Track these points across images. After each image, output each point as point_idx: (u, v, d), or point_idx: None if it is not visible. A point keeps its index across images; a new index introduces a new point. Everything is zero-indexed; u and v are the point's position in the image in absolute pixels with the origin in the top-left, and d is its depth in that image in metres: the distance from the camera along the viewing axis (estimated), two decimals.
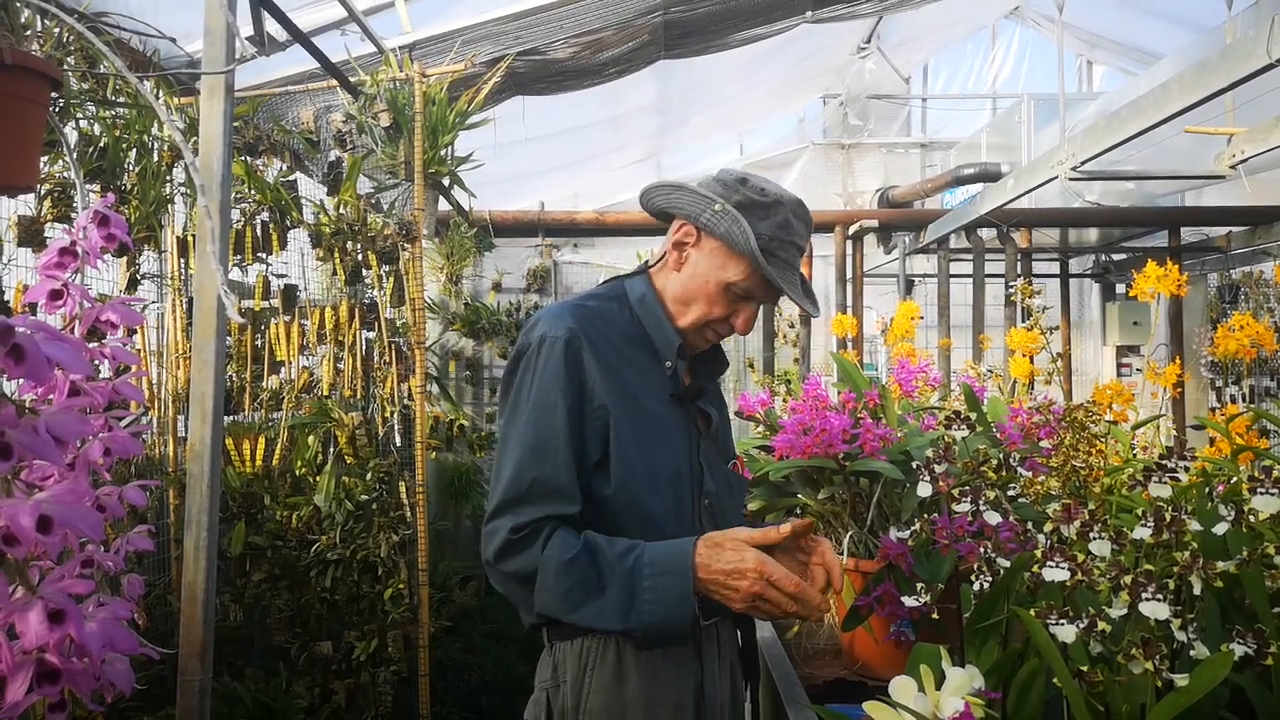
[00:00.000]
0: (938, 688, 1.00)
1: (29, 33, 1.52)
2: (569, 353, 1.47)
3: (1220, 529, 1.25)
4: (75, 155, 2.30)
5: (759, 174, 1.62)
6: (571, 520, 1.45)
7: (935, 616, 1.36)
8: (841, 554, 1.81)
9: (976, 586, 1.27)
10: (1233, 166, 3.79)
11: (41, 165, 2.26)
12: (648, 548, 1.41)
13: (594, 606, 1.39)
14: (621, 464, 1.47)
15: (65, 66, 2.15)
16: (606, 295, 1.64)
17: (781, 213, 1.54)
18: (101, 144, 2.43)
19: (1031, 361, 3.16)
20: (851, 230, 5.80)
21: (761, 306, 1.67)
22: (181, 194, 2.81)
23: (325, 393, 3.32)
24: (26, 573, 0.87)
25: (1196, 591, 1.12)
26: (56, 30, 2.05)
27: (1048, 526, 1.29)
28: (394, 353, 3.45)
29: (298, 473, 3.23)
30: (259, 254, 3.16)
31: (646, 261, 1.71)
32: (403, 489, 3.33)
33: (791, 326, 6.37)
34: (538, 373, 1.47)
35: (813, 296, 1.62)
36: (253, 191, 3.15)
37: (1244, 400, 4.97)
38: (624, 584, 1.38)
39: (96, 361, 1.07)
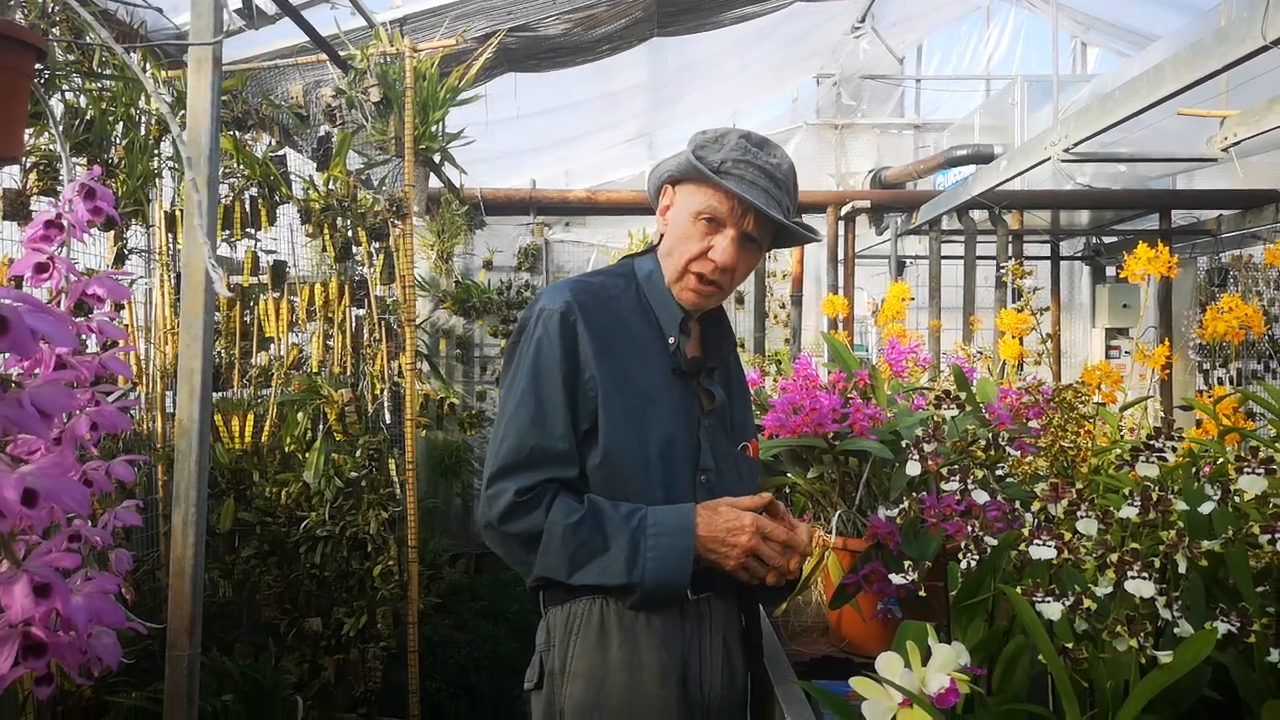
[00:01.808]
0: (924, 664, 1.01)
1: (13, 3, 1.50)
2: (564, 325, 1.53)
3: (1206, 509, 1.25)
4: (61, 128, 2.28)
5: None
6: (570, 484, 1.52)
7: (922, 594, 1.37)
8: (830, 532, 1.82)
9: (964, 565, 1.28)
10: (1225, 149, 3.79)
11: (27, 137, 2.23)
12: (650, 510, 1.50)
13: (598, 565, 1.47)
14: (609, 435, 1.52)
15: (51, 37, 2.12)
16: (614, 272, 1.69)
17: (731, 138, 1.59)
18: (88, 116, 2.40)
19: (1021, 343, 3.16)
20: (844, 211, 5.79)
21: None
22: (169, 168, 2.78)
23: (315, 369, 3.31)
24: (11, 546, 0.86)
25: (1182, 570, 1.12)
26: (41, 0, 2.02)
27: (1035, 505, 1.30)
28: (384, 330, 3.44)
29: (287, 449, 3.22)
30: (248, 230, 3.14)
31: (654, 242, 1.73)
32: (392, 466, 3.33)
33: (783, 307, 6.37)
34: (535, 343, 1.54)
35: (806, 226, 1.65)
36: (241, 166, 3.12)
37: (1232, 382, 5.00)
38: (628, 542, 1.46)
39: (83, 336, 1.07)
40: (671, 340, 1.61)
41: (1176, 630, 1.08)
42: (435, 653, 4.07)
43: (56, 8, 2.13)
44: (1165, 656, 1.01)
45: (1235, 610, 1.07)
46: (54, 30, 2.17)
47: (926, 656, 1.01)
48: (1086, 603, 1.07)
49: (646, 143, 7.83)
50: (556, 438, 1.50)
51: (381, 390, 3.41)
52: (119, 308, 2.30)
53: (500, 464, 1.51)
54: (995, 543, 1.28)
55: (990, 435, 1.69)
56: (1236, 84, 3.97)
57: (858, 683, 1.00)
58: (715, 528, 1.49)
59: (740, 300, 6.23)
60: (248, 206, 3.13)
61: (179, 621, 1.73)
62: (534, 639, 1.62)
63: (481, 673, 4.23)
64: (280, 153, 3.29)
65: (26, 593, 0.84)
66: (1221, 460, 1.72)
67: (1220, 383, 5.05)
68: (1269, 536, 1.14)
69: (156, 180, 2.72)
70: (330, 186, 3.39)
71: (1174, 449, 1.27)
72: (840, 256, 5.84)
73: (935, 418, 1.69)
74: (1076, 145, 3.61)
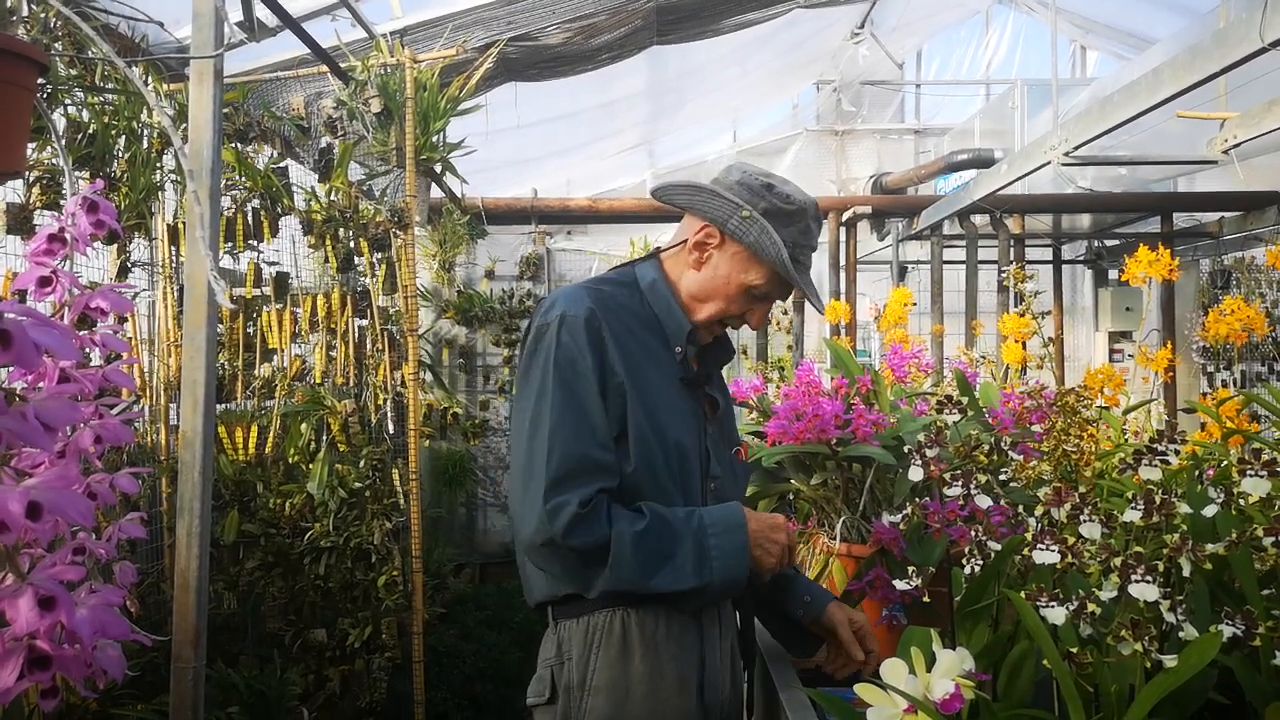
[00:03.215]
0: (928, 670, 1.01)
1: (15, 17, 1.51)
2: (590, 330, 1.49)
3: (1210, 511, 1.25)
4: (64, 142, 2.28)
5: (753, 162, 1.64)
6: (613, 494, 1.48)
7: (926, 600, 1.36)
8: (835, 539, 1.82)
9: (968, 570, 1.28)
10: (1225, 151, 3.79)
11: (30, 152, 2.24)
12: (704, 511, 1.51)
13: (670, 571, 1.45)
14: (639, 441, 1.50)
15: (53, 51, 2.13)
16: (617, 280, 1.66)
17: (804, 220, 1.59)
18: (90, 130, 2.41)
19: (1024, 347, 3.16)
20: (845, 217, 5.79)
21: None
22: (172, 181, 2.79)
23: (318, 380, 3.32)
24: (16, 560, 0.87)
25: (1186, 573, 1.12)
26: (43, 15, 2.04)
27: (1039, 510, 1.29)
28: (387, 340, 3.45)
29: (290, 460, 3.22)
30: (250, 241, 3.14)
31: (659, 247, 1.72)
32: (396, 476, 3.33)
33: (785, 313, 6.36)
34: (564, 350, 1.48)
35: (816, 291, 1.67)
36: (243, 178, 3.13)
37: (1235, 385, 4.99)
38: (693, 545, 1.46)
39: (87, 349, 1.07)
40: (679, 350, 1.61)
41: (1181, 634, 1.08)
42: (440, 663, 4.06)
43: (59, 23, 2.14)
44: (1170, 660, 1.01)
45: (1240, 613, 1.06)
46: (57, 45, 2.19)
47: (931, 662, 1.01)
48: (1091, 607, 1.06)
49: (647, 150, 7.84)
50: (601, 445, 1.47)
51: (385, 401, 3.41)
52: (122, 320, 2.31)
53: (555, 476, 1.43)
54: (999, 548, 1.28)
55: (993, 440, 1.69)
56: (1236, 86, 3.97)
57: (863, 689, 1.00)
58: (761, 524, 1.52)
59: None
60: (250, 218, 3.14)
61: (184, 633, 1.73)
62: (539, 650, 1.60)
63: (486, 682, 4.22)
64: (282, 164, 3.30)
65: (31, 606, 0.84)
66: (1225, 463, 1.72)
67: (1224, 385, 5.04)
68: (1273, 539, 1.14)
69: (159, 193, 2.72)
70: (332, 198, 3.40)
71: (1177, 452, 1.27)
72: (842, 262, 5.84)
73: (938, 423, 1.69)
74: (1077, 149, 3.62)
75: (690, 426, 1.60)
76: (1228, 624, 1.05)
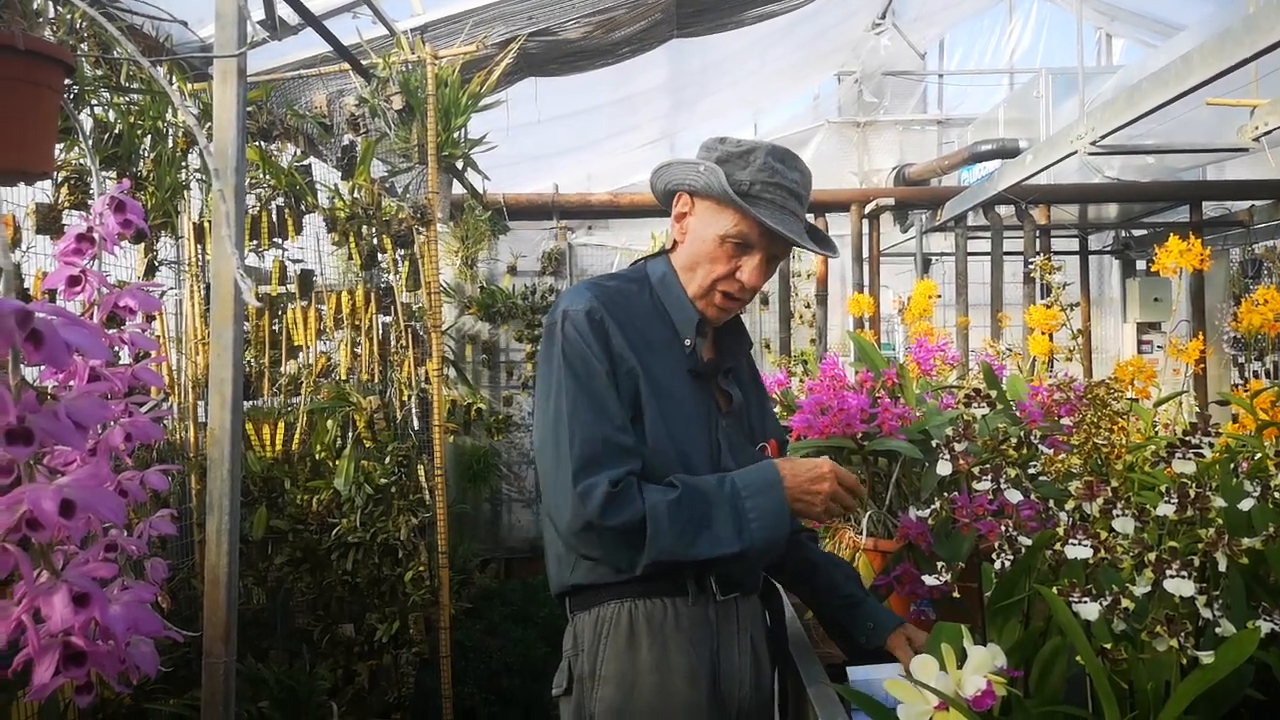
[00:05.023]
0: (959, 666, 1.00)
1: (41, 19, 1.52)
2: (591, 321, 1.53)
3: (1245, 505, 1.23)
4: (90, 142, 2.31)
5: None
6: (639, 475, 1.49)
7: (956, 595, 1.35)
8: (861, 534, 1.81)
9: (998, 565, 1.27)
10: (1256, 139, 3.73)
11: (57, 152, 2.27)
12: (735, 475, 1.51)
13: (708, 537, 1.46)
14: (653, 420, 1.53)
15: (79, 52, 2.15)
16: (628, 277, 1.69)
17: (758, 156, 1.57)
18: (116, 130, 2.43)
19: (1051, 339, 3.13)
20: (868, 209, 5.75)
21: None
22: (197, 179, 2.81)
23: (343, 377, 3.33)
24: (50, 557, 0.87)
25: (1221, 568, 1.10)
26: (69, 16, 2.05)
27: (1069, 504, 1.28)
28: (410, 336, 3.46)
29: (317, 457, 3.24)
30: (275, 239, 3.17)
31: (667, 245, 1.73)
32: (421, 472, 3.35)
33: (808, 307, 6.34)
34: (571, 343, 1.52)
35: (828, 242, 1.66)
36: (267, 177, 3.15)
37: (1268, 376, 4.92)
38: (729, 510, 1.47)
39: (116, 347, 1.08)
40: (688, 343, 1.61)
41: (1218, 630, 1.06)
42: (467, 657, 4.08)
43: (84, 24, 2.16)
44: (1207, 657, 0.99)
45: (1278, 608, 1.05)
46: (82, 46, 2.21)
47: (962, 658, 1.00)
48: (1124, 602, 1.05)
49: (668, 145, 7.81)
50: (621, 428, 1.49)
51: (409, 397, 3.42)
52: (150, 319, 2.33)
53: (581, 461, 1.45)
54: (1029, 542, 1.27)
55: (1022, 433, 1.68)
56: (1266, 72, 3.91)
57: (893, 685, 0.99)
58: (800, 477, 1.50)
59: (765, 301, 6.21)
60: (274, 216, 3.16)
61: (214, 629, 1.74)
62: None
63: (513, 677, 4.24)
64: (305, 162, 3.32)
65: (66, 603, 0.85)
66: (1260, 455, 1.69)
67: (1256, 376, 4.97)
68: None
69: (184, 192, 2.75)
70: (355, 195, 3.41)
71: (1211, 444, 1.25)
72: (865, 255, 5.80)
73: (965, 416, 1.68)
74: (1103, 138, 3.56)
75: (700, 419, 1.61)
76: (1265, 619, 1.04)
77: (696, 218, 1.62)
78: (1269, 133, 3.67)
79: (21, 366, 0.82)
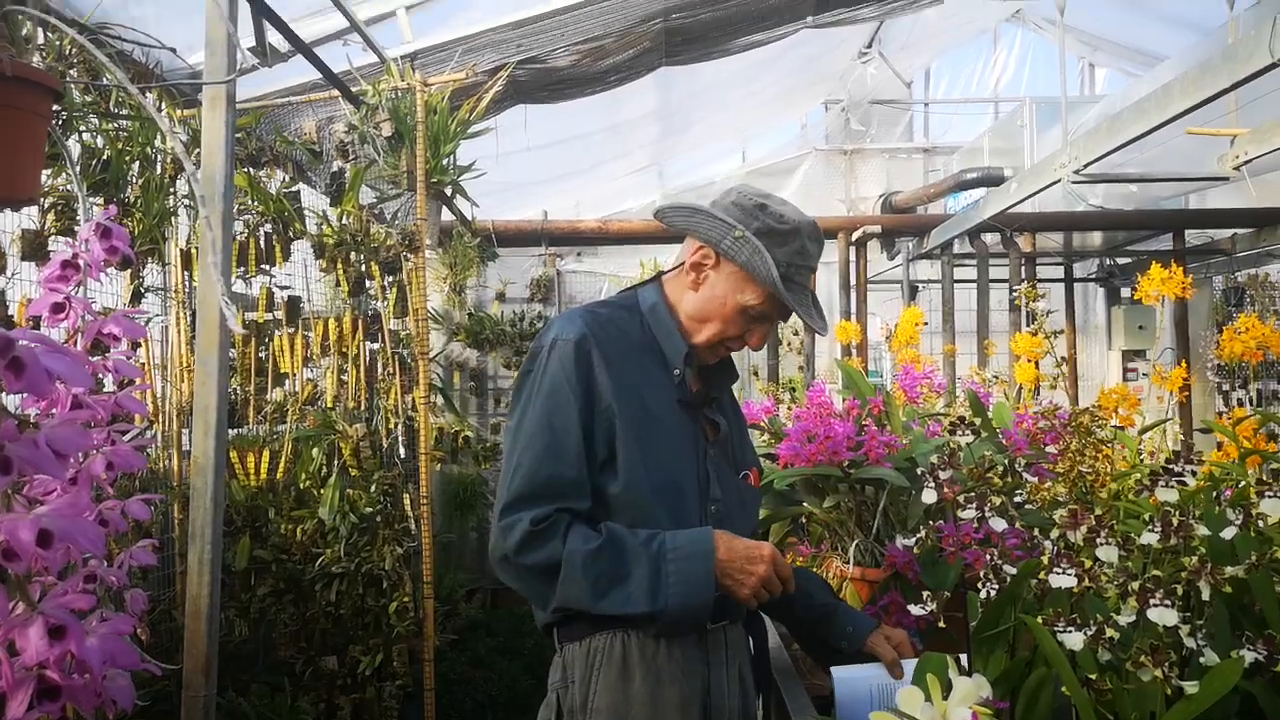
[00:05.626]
0: (945, 697, 0.99)
1: (30, 45, 1.52)
2: (579, 354, 1.52)
3: (1228, 533, 1.24)
4: (78, 168, 2.30)
5: (762, 182, 1.64)
6: (581, 515, 1.49)
7: (942, 625, 1.35)
8: (848, 563, 1.80)
9: (983, 594, 1.26)
10: (1236, 168, 3.78)
11: (44, 178, 2.26)
12: (668, 535, 1.48)
13: (621, 592, 1.44)
14: (627, 464, 1.51)
15: (67, 79, 2.15)
16: (619, 304, 1.69)
17: (799, 240, 1.58)
18: (104, 156, 2.43)
19: (1036, 366, 3.15)
20: (854, 236, 5.79)
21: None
22: (185, 206, 2.81)
23: (329, 405, 3.32)
24: (27, 588, 0.86)
25: (1205, 597, 1.11)
26: (58, 42, 2.06)
27: (1054, 533, 1.28)
28: (398, 364, 3.45)
29: (302, 486, 3.22)
30: (262, 266, 3.16)
31: (661, 270, 1.73)
32: (407, 501, 3.33)
33: (796, 334, 6.35)
34: (549, 373, 1.52)
35: (821, 312, 1.67)
36: (255, 203, 3.15)
37: (1251, 404, 4.95)
38: (650, 568, 1.44)
39: (99, 375, 1.07)
40: (677, 372, 1.61)
41: (1202, 659, 1.06)
42: (451, 690, 4.04)
43: (74, 50, 2.16)
44: (1191, 687, 0.99)
45: (1262, 638, 1.05)
46: (71, 72, 2.21)
47: (948, 689, 1.00)
48: (1109, 632, 1.05)
49: (656, 172, 7.86)
50: (571, 468, 1.48)
51: (396, 424, 3.41)
52: (135, 346, 2.32)
53: (514, 494, 1.47)
54: (1015, 571, 1.27)
55: (1007, 461, 1.68)
56: (1246, 102, 3.96)
57: (879, 717, 0.99)
58: (736, 554, 1.47)
59: None
60: (262, 243, 3.16)
61: (195, 662, 1.72)
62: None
63: (499, 710, 4.19)
64: (294, 189, 3.32)
65: (41, 635, 0.83)
66: (1243, 483, 1.70)
67: (1240, 404, 5.00)
68: None
69: (172, 218, 2.74)
70: (343, 221, 3.41)
71: (1194, 473, 1.26)
72: (852, 282, 5.83)
73: (951, 444, 1.68)
74: (1087, 166, 3.60)
75: (689, 449, 1.60)
76: (1249, 649, 1.04)
77: (720, 278, 1.60)
78: (1249, 161, 3.72)
79: (2, 394, 0.81)
